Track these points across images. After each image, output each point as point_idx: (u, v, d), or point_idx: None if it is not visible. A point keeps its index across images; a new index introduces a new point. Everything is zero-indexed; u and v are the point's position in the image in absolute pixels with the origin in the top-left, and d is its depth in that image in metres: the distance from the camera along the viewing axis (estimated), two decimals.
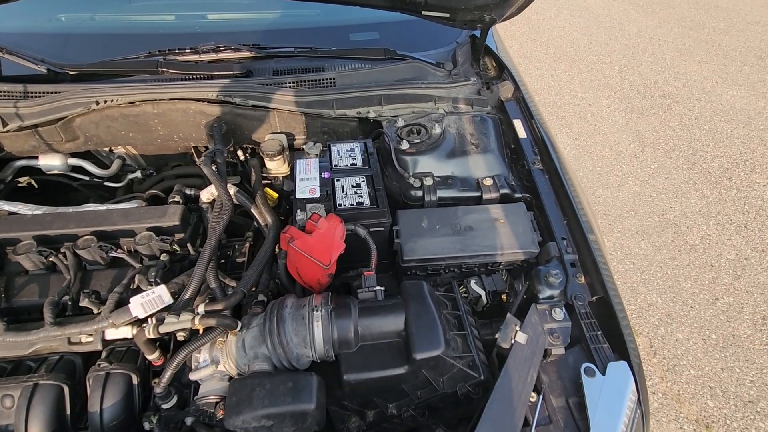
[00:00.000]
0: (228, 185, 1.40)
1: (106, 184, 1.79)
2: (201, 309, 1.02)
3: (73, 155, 1.68)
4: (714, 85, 4.62)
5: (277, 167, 1.53)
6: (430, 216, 1.30)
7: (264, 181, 1.57)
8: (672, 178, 3.55)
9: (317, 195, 1.26)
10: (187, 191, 1.46)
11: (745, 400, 2.27)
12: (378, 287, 1.11)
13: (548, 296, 1.17)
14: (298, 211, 1.21)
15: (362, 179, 1.30)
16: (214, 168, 1.35)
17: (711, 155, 3.75)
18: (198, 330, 1.03)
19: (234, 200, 1.40)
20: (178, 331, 1.04)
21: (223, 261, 1.38)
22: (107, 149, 1.78)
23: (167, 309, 1.07)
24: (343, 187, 1.28)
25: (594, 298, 1.16)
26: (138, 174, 1.82)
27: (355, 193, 1.26)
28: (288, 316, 1.03)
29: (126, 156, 1.81)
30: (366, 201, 1.23)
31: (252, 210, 1.41)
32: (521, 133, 1.54)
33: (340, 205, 1.22)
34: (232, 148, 1.63)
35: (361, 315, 1.06)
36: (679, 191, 3.44)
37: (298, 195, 1.26)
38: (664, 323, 2.62)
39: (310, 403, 0.93)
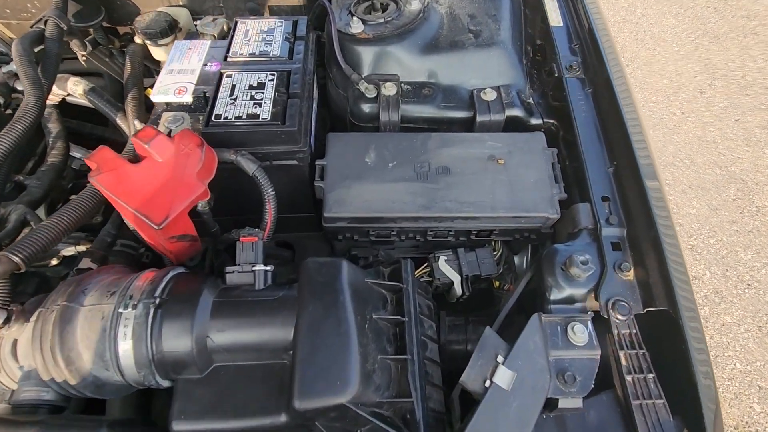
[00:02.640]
0: (75, 79, 0.90)
1: None
2: None
3: None
4: None
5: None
6: (380, 145, 0.78)
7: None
8: (745, 120, 2.83)
9: (186, 98, 0.74)
10: (19, 85, 0.96)
11: None
12: (260, 267, 0.63)
13: (565, 298, 0.67)
14: (136, 121, 0.71)
15: (271, 77, 0.77)
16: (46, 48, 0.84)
17: None
18: None
19: (87, 103, 0.91)
20: None
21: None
22: None
23: None
24: (234, 87, 0.75)
25: (645, 310, 0.65)
26: (12, 67, 1.32)
27: (252, 98, 0.73)
28: (81, 312, 0.57)
29: None
30: (265, 113, 0.71)
31: (118, 120, 0.91)
32: (554, 18, 0.95)
33: (217, 117, 0.71)
34: (106, 25, 1.10)
35: (218, 316, 0.59)
36: (752, 138, 2.74)
37: (155, 96, 0.75)
38: (709, 302, 2.11)
39: None
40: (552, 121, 0.86)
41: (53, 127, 0.93)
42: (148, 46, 0.98)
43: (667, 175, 2.55)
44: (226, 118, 0.71)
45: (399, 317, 0.64)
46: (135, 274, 0.63)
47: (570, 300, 0.67)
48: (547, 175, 0.75)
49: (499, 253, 0.84)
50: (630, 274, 0.67)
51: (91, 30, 1.07)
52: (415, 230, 0.77)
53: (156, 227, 0.59)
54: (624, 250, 0.69)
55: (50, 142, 0.92)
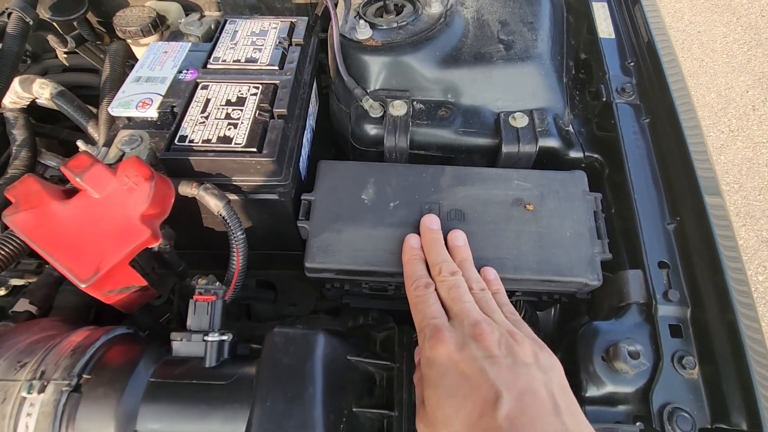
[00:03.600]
0: (41, 81, 0.79)
1: None
2: None
3: None
4: None
5: None
6: (381, 178, 0.64)
7: None
8: None
9: (150, 113, 0.62)
10: None
11: None
12: (213, 337, 0.50)
13: (605, 397, 0.51)
14: (79, 142, 0.59)
15: (254, 91, 0.63)
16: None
17: None
18: None
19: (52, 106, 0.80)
20: None
21: None
22: None
23: None
24: (209, 102, 0.62)
25: (715, 426, 0.49)
26: None
27: (227, 116, 0.60)
28: None
29: None
30: (240, 137, 0.58)
31: (89, 129, 0.80)
32: (604, 29, 0.79)
33: (182, 139, 0.58)
34: (97, 19, 0.99)
35: (151, 401, 0.46)
36: None
37: (114, 108, 0.62)
38: None
39: None
40: (596, 155, 0.70)
41: (18, 134, 0.82)
42: (130, 45, 0.87)
43: None
44: (192, 140, 0.58)
45: (386, 411, 0.50)
46: (64, 334, 0.51)
47: (611, 400, 0.51)
48: (587, 227, 0.60)
49: (523, 312, 0.69)
50: (694, 373, 0.51)
51: (75, 24, 0.97)
52: None
53: (81, 285, 0.46)
54: (687, 338, 0.53)
55: (14, 152, 0.82)
